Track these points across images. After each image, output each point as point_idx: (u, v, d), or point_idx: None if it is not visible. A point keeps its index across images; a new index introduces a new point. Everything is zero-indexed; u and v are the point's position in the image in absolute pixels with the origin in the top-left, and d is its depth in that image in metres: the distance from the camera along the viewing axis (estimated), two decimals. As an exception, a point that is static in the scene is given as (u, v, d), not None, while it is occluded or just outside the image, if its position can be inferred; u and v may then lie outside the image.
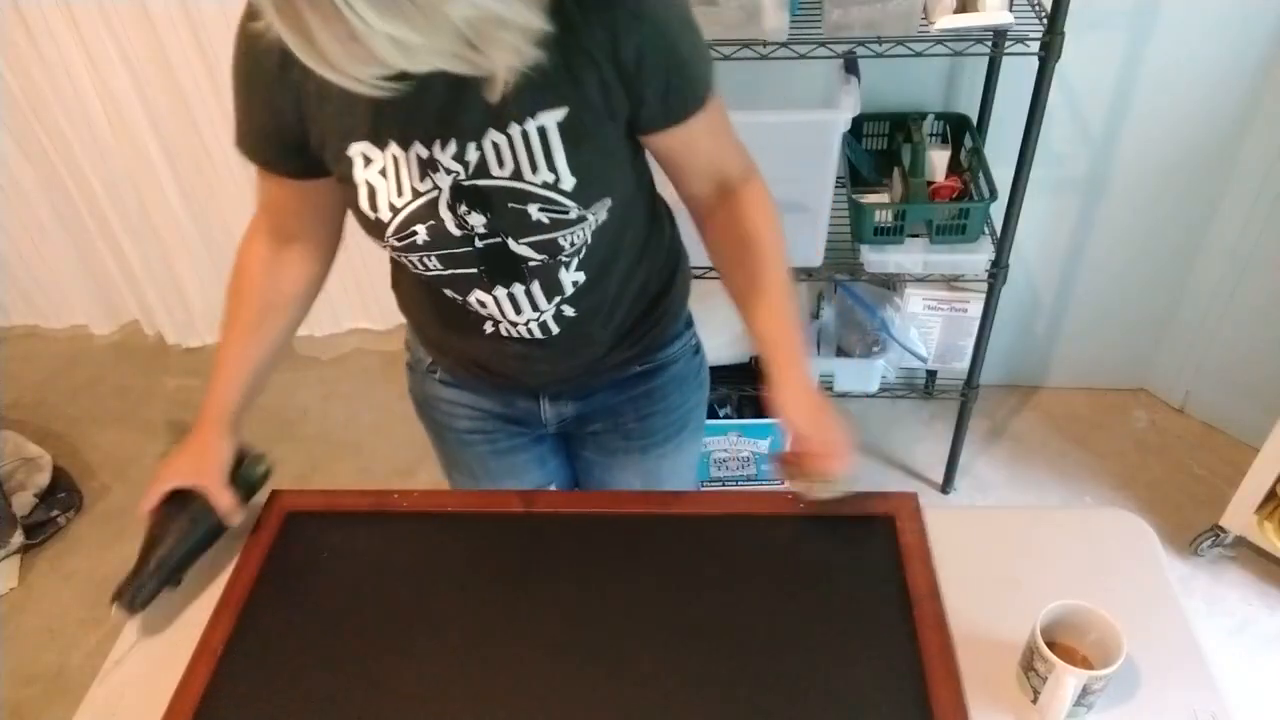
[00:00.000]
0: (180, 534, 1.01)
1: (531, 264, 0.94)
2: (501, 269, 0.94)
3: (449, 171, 0.87)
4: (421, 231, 0.90)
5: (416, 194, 0.88)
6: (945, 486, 2.22)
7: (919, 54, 1.56)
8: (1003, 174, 1.73)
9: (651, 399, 1.18)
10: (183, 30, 2.17)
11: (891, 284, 2.05)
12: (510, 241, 0.91)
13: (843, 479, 1.00)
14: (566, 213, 0.89)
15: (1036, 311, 2.30)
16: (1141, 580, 0.98)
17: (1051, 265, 2.20)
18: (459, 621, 0.97)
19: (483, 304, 0.99)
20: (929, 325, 2.02)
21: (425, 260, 0.94)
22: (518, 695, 0.90)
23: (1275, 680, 1.80)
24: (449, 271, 0.95)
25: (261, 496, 1.11)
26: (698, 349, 1.23)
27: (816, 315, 2.14)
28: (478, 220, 0.89)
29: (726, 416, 2.12)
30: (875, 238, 1.78)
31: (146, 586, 0.99)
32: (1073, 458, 2.26)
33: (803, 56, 1.57)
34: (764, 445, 2.08)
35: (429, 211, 0.89)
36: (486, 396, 1.18)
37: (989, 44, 1.63)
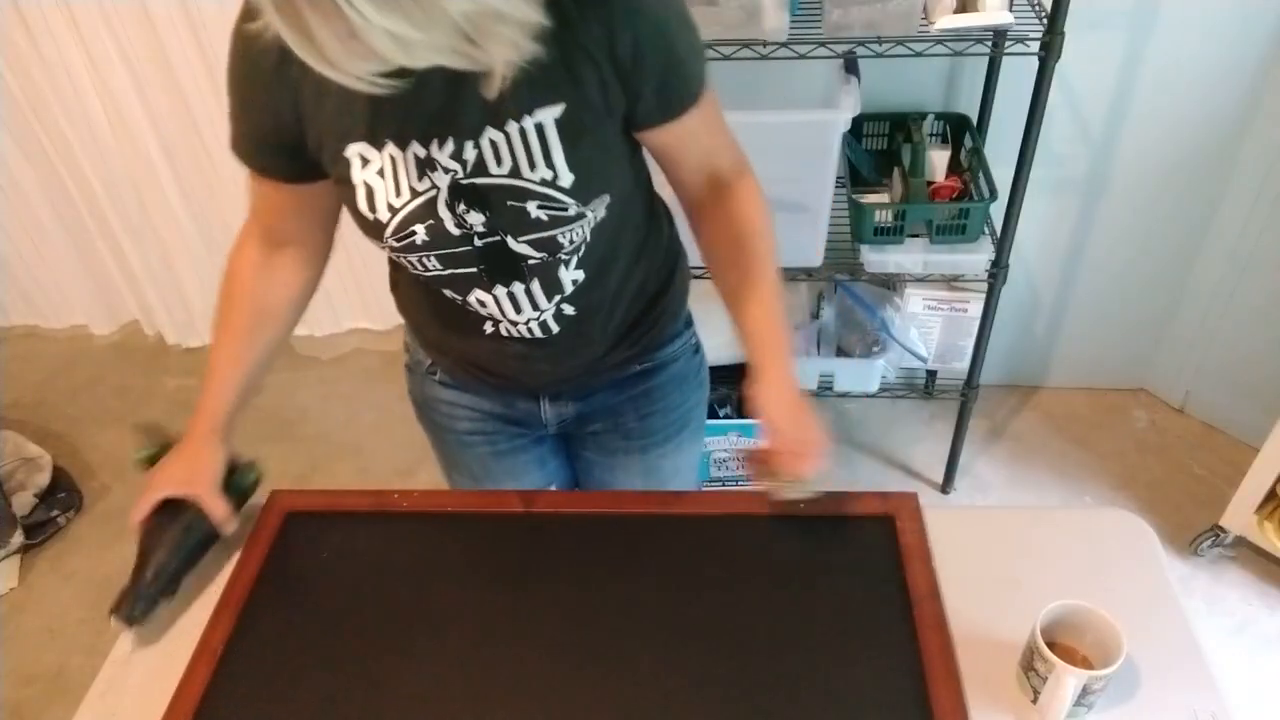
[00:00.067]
0: (175, 544, 1.00)
1: (531, 262, 0.94)
2: (501, 268, 0.94)
3: (447, 170, 0.87)
4: (420, 231, 0.90)
5: (415, 194, 0.88)
6: (945, 486, 2.22)
7: (919, 54, 1.56)
8: (1003, 174, 1.73)
9: (651, 398, 1.18)
10: (183, 30, 2.17)
11: (891, 284, 2.05)
12: (509, 240, 0.91)
13: (813, 481, 0.99)
14: (565, 210, 0.89)
15: (1036, 311, 2.30)
16: (1141, 580, 0.97)
17: (1051, 265, 2.20)
18: (459, 621, 0.96)
19: (483, 304, 0.99)
20: (929, 325, 2.02)
21: (425, 260, 0.94)
22: (518, 695, 0.90)
23: (1275, 680, 1.80)
24: (448, 271, 0.95)
25: (253, 502, 1.11)
26: (698, 348, 1.23)
27: (816, 315, 2.14)
28: (476, 219, 0.89)
29: (726, 416, 2.11)
30: (875, 238, 1.78)
31: (145, 598, 0.98)
32: (1073, 458, 2.26)
33: (803, 56, 1.57)
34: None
35: (427, 211, 0.89)
36: (486, 398, 1.18)
37: (989, 44, 1.63)
